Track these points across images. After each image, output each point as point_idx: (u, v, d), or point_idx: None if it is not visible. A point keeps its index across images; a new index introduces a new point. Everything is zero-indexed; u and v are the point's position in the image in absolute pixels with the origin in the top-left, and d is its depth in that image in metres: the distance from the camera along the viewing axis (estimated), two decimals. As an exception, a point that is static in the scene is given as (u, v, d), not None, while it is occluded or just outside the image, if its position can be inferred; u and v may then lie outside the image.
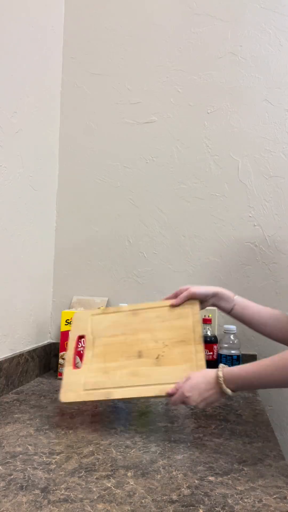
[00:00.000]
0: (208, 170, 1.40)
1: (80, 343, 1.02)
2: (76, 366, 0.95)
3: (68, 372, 0.93)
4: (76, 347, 0.97)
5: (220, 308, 1.01)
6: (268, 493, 0.66)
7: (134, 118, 1.45)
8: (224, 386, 0.83)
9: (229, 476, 0.71)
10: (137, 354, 0.91)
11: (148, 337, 0.93)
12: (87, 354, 0.94)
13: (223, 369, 0.85)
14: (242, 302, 1.00)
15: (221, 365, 0.86)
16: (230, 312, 1.00)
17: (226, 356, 1.23)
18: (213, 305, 1.00)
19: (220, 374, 0.84)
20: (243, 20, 1.39)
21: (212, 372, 0.85)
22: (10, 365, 1.15)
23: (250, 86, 1.38)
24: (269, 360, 0.83)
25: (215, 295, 0.99)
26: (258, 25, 1.38)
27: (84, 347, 0.97)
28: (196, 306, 0.95)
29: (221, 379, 0.83)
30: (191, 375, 0.86)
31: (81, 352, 1.01)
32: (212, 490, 0.66)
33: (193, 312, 0.94)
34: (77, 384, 0.89)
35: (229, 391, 0.83)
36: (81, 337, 0.97)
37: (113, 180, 1.45)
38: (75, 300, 1.44)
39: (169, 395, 0.86)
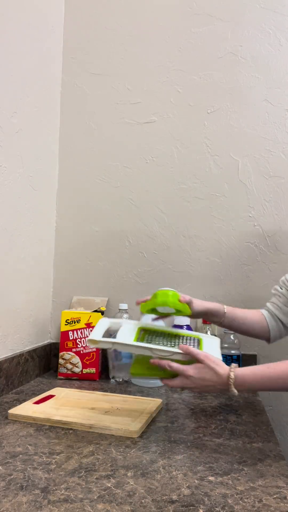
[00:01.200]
0: (208, 170, 1.40)
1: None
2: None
3: (29, 402, 1.03)
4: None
5: (211, 322, 1.07)
6: (268, 493, 0.66)
7: (134, 118, 1.45)
8: (232, 387, 0.83)
9: (229, 476, 0.71)
10: (90, 407, 1.00)
11: (106, 403, 1.04)
12: (49, 401, 1.04)
13: (235, 370, 0.84)
14: (231, 312, 1.06)
15: (233, 364, 0.86)
16: (221, 323, 1.07)
17: (226, 356, 1.23)
18: (205, 319, 1.06)
19: (232, 375, 0.83)
20: (243, 20, 1.39)
21: (224, 369, 0.84)
22: (10, 365, 1.15)
23: (250, 86, 1.38)
24: (284, 365, 0.83)
25: (206, 313, 1.04)
26: (258, 25, 1.38)
27: None
28: (159, 403, 1.05)
29: (232, 380, 0.83)
30: (204, 360, 0.85)
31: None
32: (212, 490, 0.66)
33: (154, 403, 1.04)
34: (29, 408, 0.99)
35: (235, 392, 0.83)
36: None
37: (113, 180, 1.45)
38: (75, 300, 1.44)
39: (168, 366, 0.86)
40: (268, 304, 1.12)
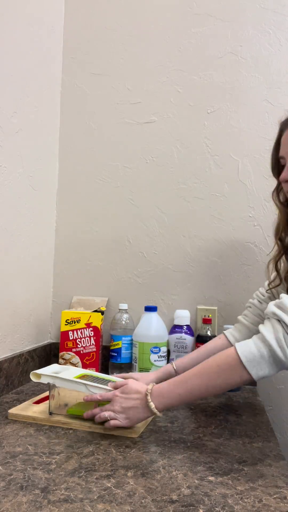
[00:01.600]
0: (208, 170, 1.40)
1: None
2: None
3: (29, 402, 1.04)
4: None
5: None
6: (268, 493, 0.66)
7: (134, 118, 1.45)
8: (149, 399, 0.84)
9: (229, 476, 0.71)
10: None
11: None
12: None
13: (153, 385, 0.87)
14: (180, 364, 1.07)
15: (151, 383, 0.89)
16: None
17: (226, 356, 1.23)
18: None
19: (150, 387, 0.86)
20: (243, 20, 1.39)
21: (143, 387, 0.87)
22: (10, 365, 1.15)
23: (250, 86, 1.38)
24: (195, 368, 0.85)
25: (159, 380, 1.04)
26: (258, 25, 1.38)
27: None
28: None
29: (149, 391, 0.85)
30: (128, 381, 0.90)
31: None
32: (212, 490, 0.66)
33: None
34: (29, 408, 0.99)
35: (152, 406, 0.84)
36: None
37: (113, 180, 1.45)
38: (75, 300, 1.44)
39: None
40: (239, 317, 1.14)
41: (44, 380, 0.94)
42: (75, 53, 1.49)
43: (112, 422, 0.86)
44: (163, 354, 1.25)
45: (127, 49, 1.46)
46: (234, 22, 1.39)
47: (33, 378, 0.95)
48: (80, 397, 0.95)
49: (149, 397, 0.84)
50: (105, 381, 0.97)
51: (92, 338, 1.29)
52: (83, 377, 0.97)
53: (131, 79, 1.46)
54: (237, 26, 1.39)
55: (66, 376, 0.95)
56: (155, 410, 0.84)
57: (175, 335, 1.28)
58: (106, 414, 0.87)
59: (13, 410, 0.96)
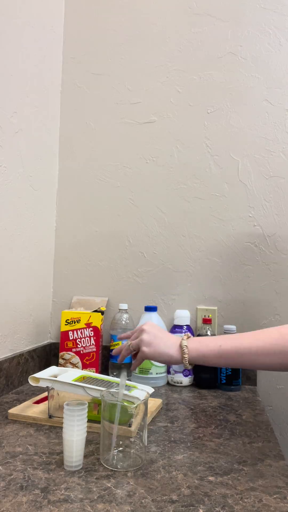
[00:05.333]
0: (208, 170, 1.40)
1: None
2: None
3: (29, 402, 1.04)
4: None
5: None
6: (268, 493, 0.66)
7: (134, 118, 1.45)
8: (184, 337, 0.79)
9: (229, 476, 0.71)
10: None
11: None
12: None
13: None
14: None
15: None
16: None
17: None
18: None
19: (184, 337, 0.81)
20: (243, 20, 1.39)
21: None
22: (10, 365, 1.15)
23: (250, 86, 1.38)
24: (249, 333, 0.76)
25: None
26: (258, 25, 1.38)
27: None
28: (159, 403, 1.06)
29: (185, 336, 0.81)
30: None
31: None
32: (212, 490, 0.66)
33: (154, 403, 1.05)
34: (29, 408, 1.00)
35: (185, 343, 0.77)
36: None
37: (113, 180, 1.45)
38: (75, 300, 1.44)
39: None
40: None
41: (42, 384, 0.94)
42: (75, 53, 1.49)
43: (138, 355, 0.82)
44: (163, 354, 1.24)
45: (127, 49, 1.46)
46: (234, 22, 1.39)
47: (31, 382, 0.95)
48: (80, 397, 0.95)
49: (184, 338, 0.78)
50: (104, 382, 0.97)
51: (92, 338, 1.29)
52: (82, 379, 0.97)
53: (131, 79, 1.46)
54: (237, 26, 1.39)
55: (65, 379, 0.94)
56: (186, 351, 0.75)
57: (175, 335, 1.28)
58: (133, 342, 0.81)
59: (13, 410, 0.96)
